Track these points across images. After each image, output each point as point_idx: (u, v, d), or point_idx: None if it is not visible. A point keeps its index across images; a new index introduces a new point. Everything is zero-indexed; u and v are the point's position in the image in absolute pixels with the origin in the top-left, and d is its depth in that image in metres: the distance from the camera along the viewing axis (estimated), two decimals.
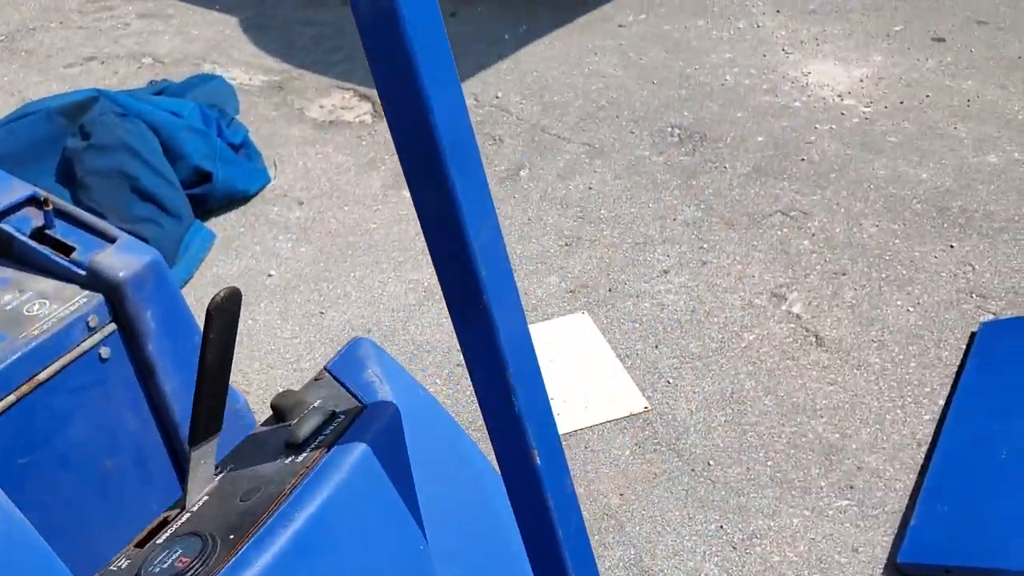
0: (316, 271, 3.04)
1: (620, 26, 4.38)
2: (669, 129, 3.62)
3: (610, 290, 2.88)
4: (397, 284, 2.96)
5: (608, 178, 3.38)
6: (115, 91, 3.57)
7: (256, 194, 3.39)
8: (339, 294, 2.94)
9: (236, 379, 2.62)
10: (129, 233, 2.84)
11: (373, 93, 3.99)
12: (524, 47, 4.28)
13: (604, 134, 3.62)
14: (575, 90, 3.91)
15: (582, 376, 2.58)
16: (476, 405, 1.08)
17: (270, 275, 3.04)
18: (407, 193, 3.25)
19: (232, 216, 3.30)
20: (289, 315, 2.87)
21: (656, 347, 2.67)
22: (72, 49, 4.54)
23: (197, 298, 2.93)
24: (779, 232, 3.06)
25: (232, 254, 3.13)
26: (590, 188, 3.33)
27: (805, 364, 2.58)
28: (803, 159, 3.39)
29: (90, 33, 4.69)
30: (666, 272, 2.93)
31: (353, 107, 3.95)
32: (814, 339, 2.65)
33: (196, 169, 3.21)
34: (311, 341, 2.77)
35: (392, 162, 3.54)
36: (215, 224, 3.26)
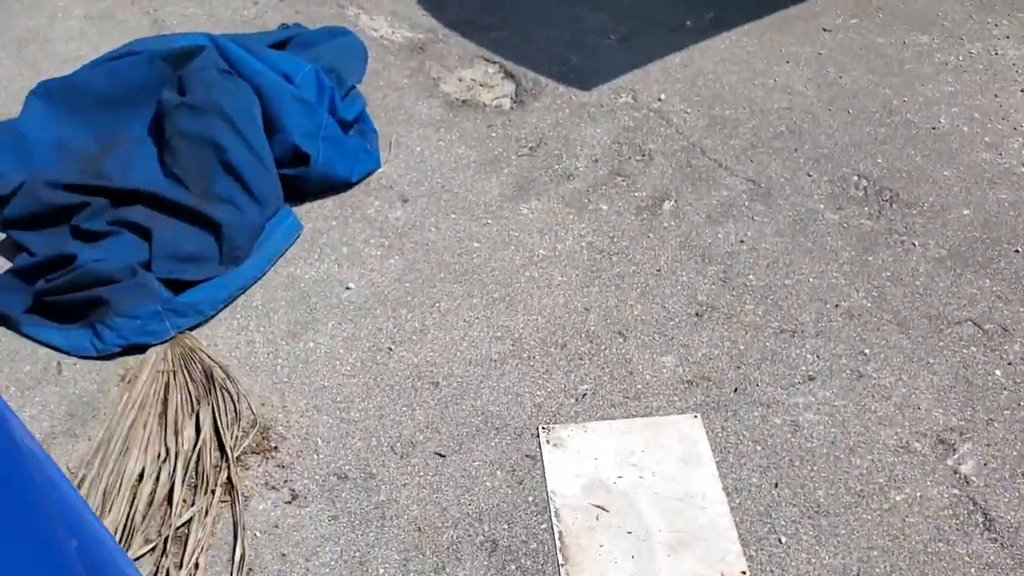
0: (399, 292, 2.63)
1: (825, 30, 3.68)
2: (855, 178, 2.96)
3: (736, 390, 2.34)
4: (483, 328, 2.51)
5: (767, 232, 2.78)
6: (232, 38, 3.22)
7: (359, 181, 2.99)
8: (415, 327, 2.52)
9: (276, 415, 2.27)
10: (202, 214, 2.51)
11: (520, 71, 3.49)
12: (704, 40, 3.65)
13: (774, 170, 3.01)
14: (752, 106, 3.29)
15: (673, 507, 2.07)
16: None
17: (348, 287, 2.64)
18: (525, 208, 2.78)
19: (327, 204, 2.92)
20: (356, 344, 2.48)
21: (776, 486, 2.12)
22: None
23: (264, 301, 2.58)
24: (966, 350, 2.41)
25: (315, 252, 2.75)
26: (742, 242, 2.75)
27: (963, 554, 1.98)
28: (1018, 251, 2.69)
29: None
30: (811, 379, 2.35)
31: (494, 86, 3.46)
32: (982, 518, 2.05)
33: (294, 147, 2.83)
34: (369, 385, 2.37)
35: (517, 165, 3.05)
36: (306, 212, 2.88)
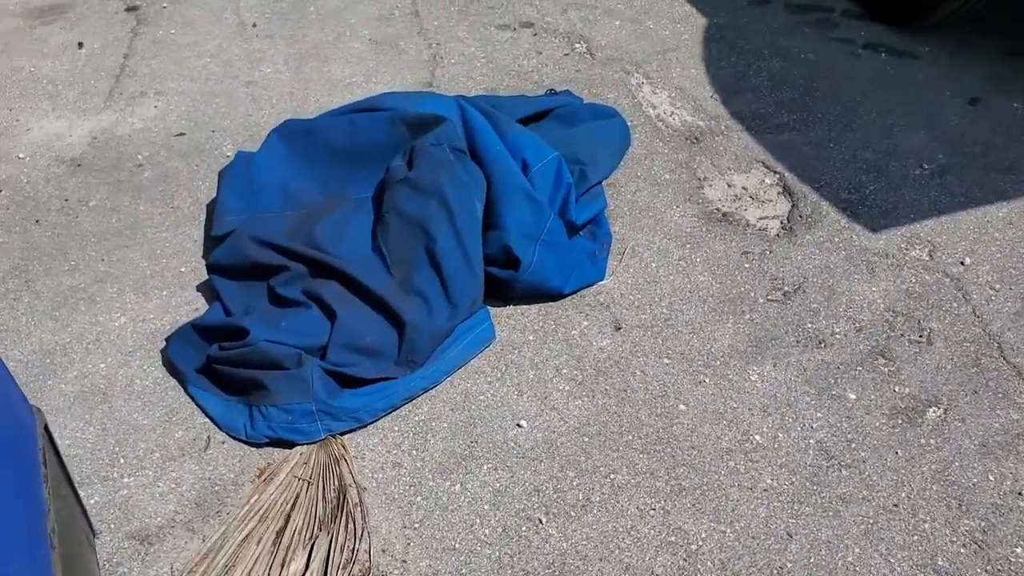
0: (574, 447, 2.26)
1: None
2: None
3: None
4: (657, 525, 2.08)
5: None
6: (489, 101, 2.98)
7: (573, 293, 2.64)
8: (578, 499, 2.14)
9: (393, 569, 2.00)
10: (391, 308, 2.28)
11: (801, 189, 2.97)
12: None
13: None
14: None
15: None
16: None
17: (520, 425, 2.32)
18: (755, 372, 2.36)
19: (531, 312, 2.60)
20: (505, 502, 2.15)
21: None
22: (516, 6, 4.02)
23: (427, 418, 2.32)
24: None
25: (499, 370, 2.45)
26: (1020, 495, 2.11)
27: None
28: None
29: None
30: None
31: (766, 201, 2.96)
32: None
33: (508, 249, 2.53)
34: (503, 563, 2.04)
35: (762, 313, 2.56)
36: (506, 316, 2.59)
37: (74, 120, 3.44)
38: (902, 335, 2.48)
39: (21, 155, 3.28)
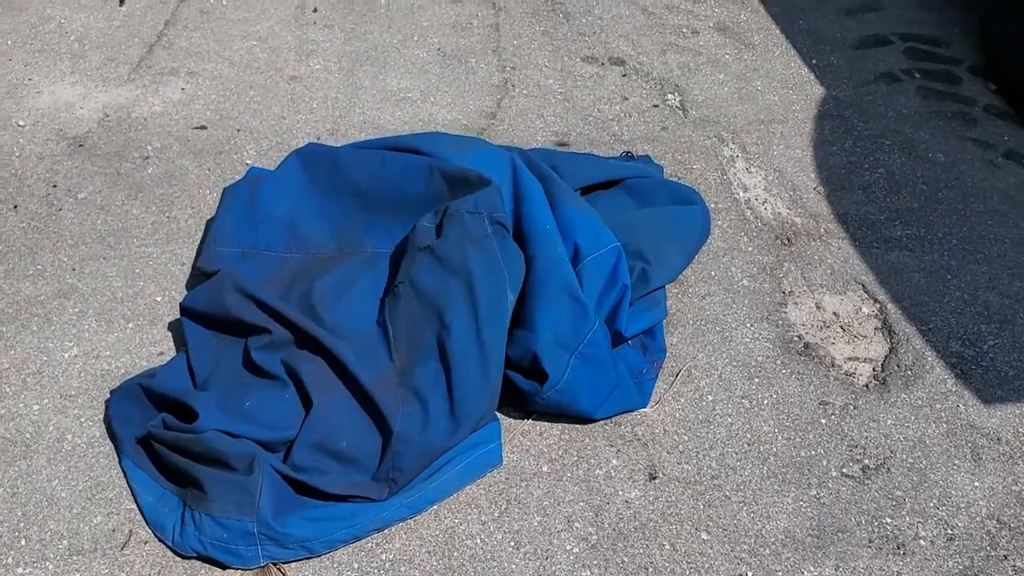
0: None
1: None
2: None
3: None
4: None
5: None
6: (546, 157, 2.52)
7: (605, 419, 2.17)
8: None
9: None
10: (377, 407, 1.83)
11: (904, 328, 2.46)
12: None
13: None
14: None
15: None
16: None
17: None
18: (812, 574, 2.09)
19: (551, 434, 2.13)
20: None
21: None
22: (609, 37, 3.52)
23: (396, 559, 1.87)
24: None
25: (498, 507, 1.99)
26: None
27: None
28: None
29: (655, 23, 3.61)
30: None
31: (859, 336, 2.45)
32: None
33: (535, 356, 2.06)
34: None
35: (832, 491, 2.06)
36: (516, 435, 2.12)
37: (90, 90, 3.04)
38: (1005, 558, 1.97)
39: (21, 122, 2.90)
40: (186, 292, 2.37)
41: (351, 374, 2.02)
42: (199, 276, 2.36)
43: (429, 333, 2.06)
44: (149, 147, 2.83)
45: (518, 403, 2.15)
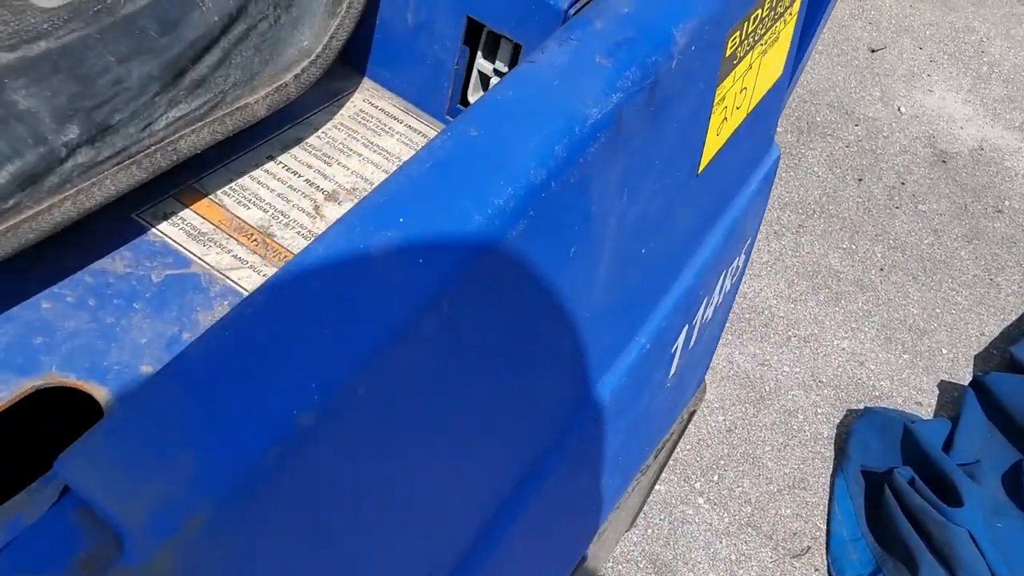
0: None
1: None
2: None
3: None
4: None
5: None
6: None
7: None
8: None
9: None
10: None
11: None
12: None
13: None
14: None
15: None
16: None
17: None
18: None
19: None
20: None
21: None
22: None
23: None
24: None
25: None
26: None
27: None
28: None
29: None
30: None
31: None
32: None
33: None
34: None
35: None
36: None
37: (986, 115, 2.84)
38: None
39: (904, 110, 2.81)
40: (974, 361, 2.10)
41: None
42: (1003, 357, 2.07)
43: None
44: (1008, 200, 2.56)
45: None
